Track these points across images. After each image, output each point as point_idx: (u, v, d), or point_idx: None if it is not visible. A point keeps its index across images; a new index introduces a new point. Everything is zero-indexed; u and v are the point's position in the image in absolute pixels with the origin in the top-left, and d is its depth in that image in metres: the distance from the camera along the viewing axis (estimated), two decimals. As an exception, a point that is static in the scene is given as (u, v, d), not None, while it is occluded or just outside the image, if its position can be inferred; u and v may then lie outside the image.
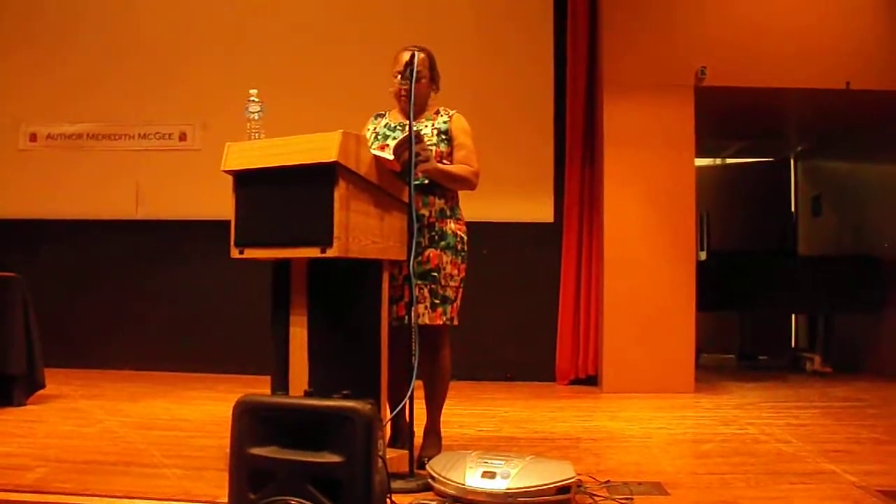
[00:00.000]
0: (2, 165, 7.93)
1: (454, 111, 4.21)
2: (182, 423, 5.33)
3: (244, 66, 7.29)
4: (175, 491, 3.50)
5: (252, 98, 3.83)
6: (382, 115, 4.29)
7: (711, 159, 10.71)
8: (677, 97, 7.07)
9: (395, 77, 4.08)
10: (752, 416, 5.89)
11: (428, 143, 4.01)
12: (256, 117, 3.78)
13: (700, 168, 8.20)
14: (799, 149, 10.45)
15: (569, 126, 7.51)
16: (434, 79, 4.22)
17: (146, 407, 5.91)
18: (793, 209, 10.67)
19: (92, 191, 7.80)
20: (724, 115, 8.11)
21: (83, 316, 7.79)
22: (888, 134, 8.21)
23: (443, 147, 4.08)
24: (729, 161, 11.02)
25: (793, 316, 10.17)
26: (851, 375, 8.10)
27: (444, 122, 4.14)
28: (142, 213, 7.72)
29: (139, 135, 7.80)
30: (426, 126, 4.11)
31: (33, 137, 7.93)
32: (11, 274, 5.74)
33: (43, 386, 5.83)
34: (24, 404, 5.64)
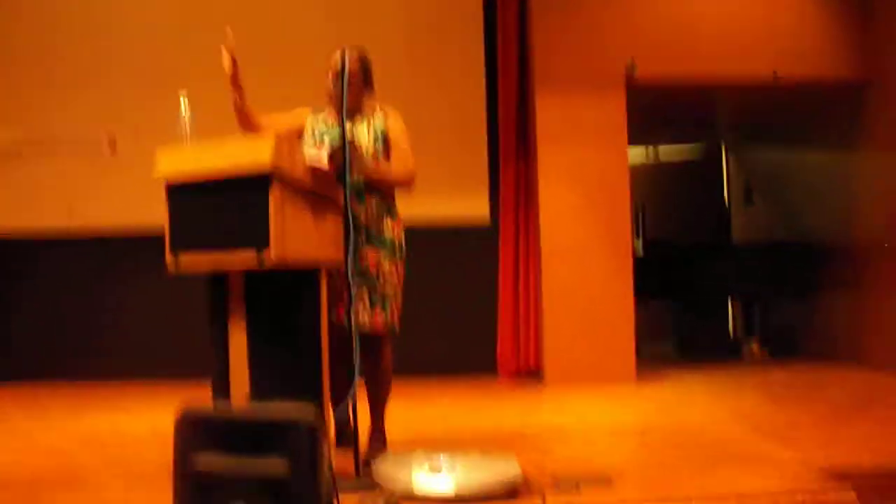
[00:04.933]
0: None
1: (389, 109, 4.20)
2: (125, 438, 5.24)
3: (171, 66, 7.18)
4: (119, 505, 3.45)
5: (182, 100, 3.76)
6: (320, 112, 4.25)
7: (643, 148, 10.78)
8: (609, 91, 7.13)
9: (329, 77, 4.06)
10: (694, 403, 5.97)
11: (364, 143, 4.00)
12: (187, 120, 3.72)
13: (635, 162, 8.29)
14: (730, 139, 10.60)
15: (502, 123, 7.54)
16: (367, 80, 4.19)
17: (88, 421, 5.81)
18: (725, 199, 10.82)
19: (22, 201, 7.63)
20: (655, 107, 8.20)
21: (20, 329, 7.65)
22: (816, 123, 8.37)
23: (378, 146, 4.07)
24: (662, 154, 11.11)
25: (729, 303, 10.31)
26: (788, 359, 8.26)
27: (381, 122, 4.13)
28: (75, 225, 7.56)
29: (69, 142, 7.64)
30: (362, 125, 4.09)
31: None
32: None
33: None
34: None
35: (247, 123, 4.00)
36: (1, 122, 7.72)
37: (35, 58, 7.72)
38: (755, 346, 8.68)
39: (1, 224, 7.62)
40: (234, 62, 3.80)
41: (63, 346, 7.62)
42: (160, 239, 3.52)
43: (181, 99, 3.73)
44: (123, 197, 7.35)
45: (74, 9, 7.79)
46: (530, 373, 7.41)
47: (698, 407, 5.77)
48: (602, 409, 5.87)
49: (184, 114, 3.68)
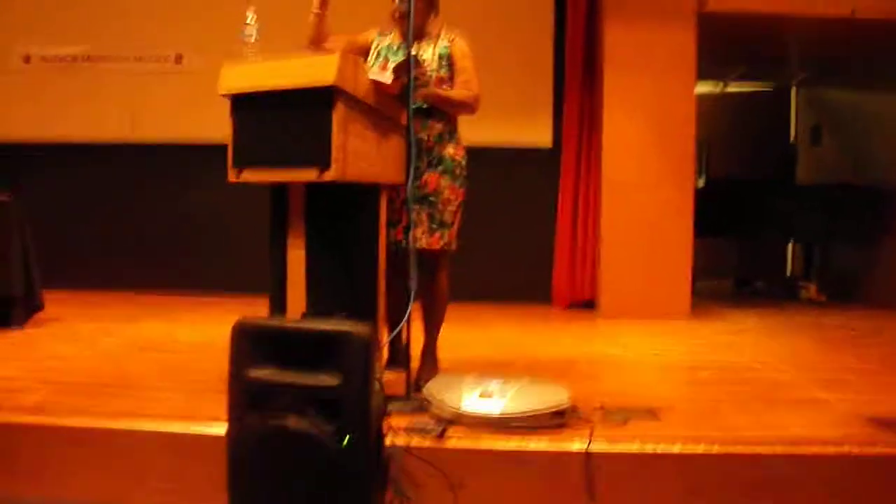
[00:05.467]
0: (-3, 86, 7.85)
1: (455, 34, 4.16)
2: (181, 346, 5.38)
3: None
4: (174, 412, 3.53)
5: (248, 21, 3.76)
6: (386, 34, 4.22)
7: (712, 84, 10.60)
8: (679, 22, 6.99)
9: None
10: (747, 342, 5.94)
11: (428, 67, 3.98)
12: (252, 40, 3.72)
13: (700, 96, 8.14)
14: (800, 77, 10.37)
15: (568, 51, 7.46)
16: (433, 2, 4.16)
17: (145, 329, 5.95)
18: (792, 138, 10.63)
19: (87, 113, 7.75)
20: (725, 41, 8.02)
21: (81, 238, 7.80)
22: (890, 63, 8.14)
23: (443, 72, 4.04)
24: (729, 89, 10.92)
25: (789, 244, 10.19)
26: (846, 304, 8.16)
27: (445, 47, 4.09)
28: (137, 136, 7.65)
29: (135, 57, 7.72)
30: (427, 49, 4.06)
31: (27, 59, 7.85)
32: (5, 196, 5.72)
33: (41, 308, 5.87)
34: (23, 326, 5.67)
35: (319, 42, 4.00)
36: (67, 38, 7.80)
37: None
38: (813, 289, 8.57)
39: (64, 133, 7.72)
40: None
41: (121, 256, 7.77)
42: (222, 149, 3.55)
43: (248, 15, 3.74)
44: (187, 110, 7.41)
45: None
46: (585, 303, 7.41)
47: (751, 347, 5.74)
48: (654, 344, 5.86)
49: (251, 31, 3.69)
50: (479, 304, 6.81)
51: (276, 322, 3.09)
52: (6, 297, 5.65)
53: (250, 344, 2.93)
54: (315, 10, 3.95)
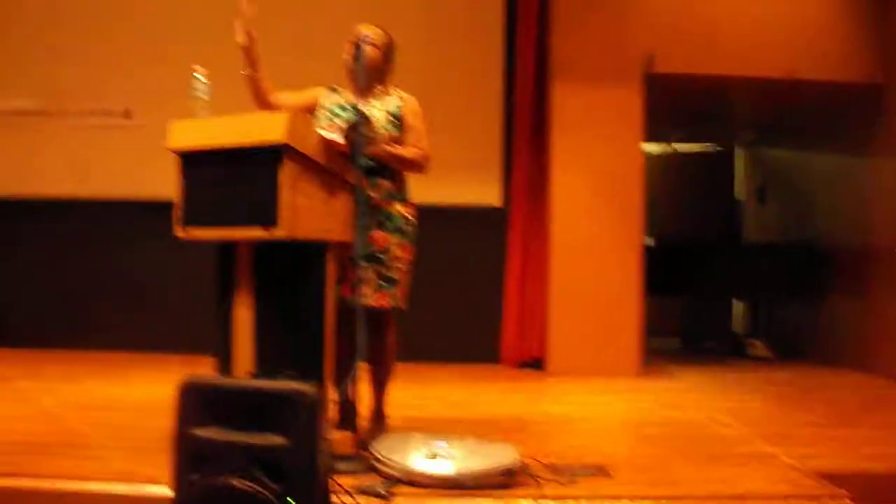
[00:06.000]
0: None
1: (407, 94, 4.19)
2: (123, 404, 5.28)
3: (188, 38, 7.16)
4: (116, 472, 3.46)
5: (197, 76, 3.76)
6: (335, 91, 4.24)
7: (658, 145, 10.76)
8: (625, 84, 7.10)
9: (347, 53, 4.05)
10: (695, 399, 5.96)
11: (379, 125, 3.99)
12: (202, 95, 3.72)
13: (647, 155, 8.27)
14: (745, 137, 10.56)
15: (517, 110, 7.51)
16: (388, 61, 4.20)
17: (87, 388, 5.84)
18: (738, 197, 10.80)
19: (34, 168, 7.64)
20: (672, 102, 8.17)
21: (24, 294, 7.66)
22: (832, 123, 8.33)
23: (393, 130, 4.06)
24: (676, 149, 11.09)
25: (736, 302, 10.30)
26: (793, 361, 8.26)
27: (397, 106, 4.11)
28: (84, 192, 7.57)
29: (83, 111, 7.67)
30: (378, 108, 4.08)
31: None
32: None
33: (-19, 366, 5.76)
34: (-37, 385, 5.56)
35: (262, 99, 4.00)
36: (13, 91, 7.74)
37: (49, 27, 7.69)
38: (761, 346, 8.66)
39: (10, 189, 7.63)
40: (250, 36, 3.81)
41: (64, 314, 7.62)
42: (167, 205, 3.53)
43: (198, 70, 3.74)
44: (135, 166, 7.35)
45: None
46: (534, 362, 7.40)
47: (699, 403, 5.76)
48: (603, 402, 5.87)
49: (200, 87, 3.68)
50: (427, 363, 6.78)
51: (222, 381, 3.06)
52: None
53: (196, 402, 2.89)
54: (243, 72, 3.94)
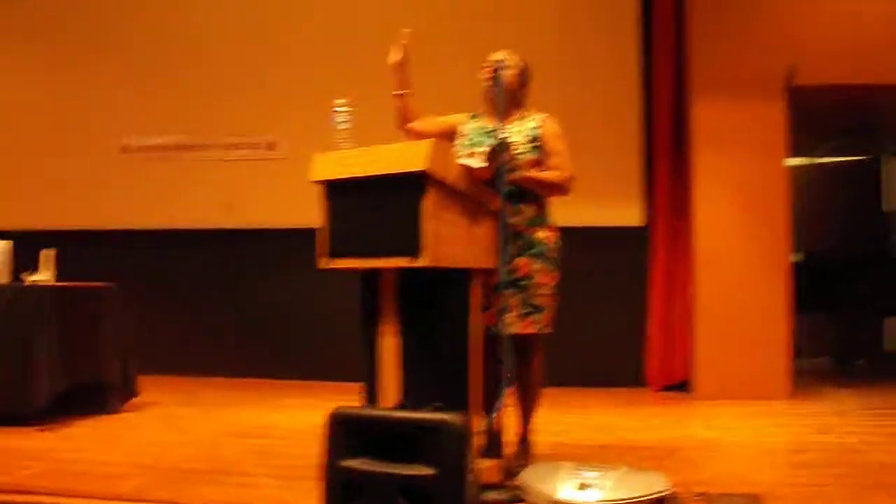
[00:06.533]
0: (96, 177, 8.10)
1: (546, 116, 4.17)
2: (275, 432, 5.39)
3: (331, 72, 7.31)
4: (267, 501, 3.53)
5: (338, 108, 3.82)
6: (476, 117, 4.26)
7: (802, 158, 10.45)
8: (768, 96, 6.91)
9: (485, 80, 4.06)
10: (850, 423, 5.73)
11: (519, 149, 3.98)
12: (343, 127, 3.78)
13: (792, 168, 8.03)
14: (893, 147, 10.16)
15: (657, 127, 7.41)
16: (524, 85, 4.19)
17: (240, 415, 5.99)
18: (886, 209, 10.38)
19: (182, 200, 7.93)
20: (816, 114, 7.92)
21: (178, 324, 7.94)
22: None
23: (534, 154, 4.04)
24: (821, 160, 10.76)
25: (888, 319, 9.89)
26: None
27: (536, 128, 4.10)
28: (232, 222, 7.80)
29: (228, 144, 7.91)
30: (518, 132, 4.07)
31: (125, 149, 8.09)
32: (108, 284, 5.87)
33: (137, 394, 5.96)
34: (119, 412, 5.76)
35: (404, 120, 4.09)
36: (162, 128, 8.05)
37: (199, 65, 8.02)
38: (916, 366, 8.29)
39: (160, 221, 7.93)
40: (403, 57, 3.99)
41: (216, 342, 7.89)
42: (311, 232, 3.60)
43: (339, 102, 3.80)
44: (281, 196, 7.54)
45: (236, 16, 8.06)
46: (680, 385, 7.25)
47: (855, 427, 5.54)
48: (754, 426, 5.70)
49: (342, 118, 3.74)
50: (573, 388, 6.71)
51: (370, 412, 3.08)
52: (103, 384, 5.75)
53: (344, 433, 2.92)
54: (396, 92, 4.05)
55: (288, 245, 7.25)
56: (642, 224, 7.46)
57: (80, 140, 8.13)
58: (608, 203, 7.42)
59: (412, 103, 4.11)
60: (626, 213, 7.46)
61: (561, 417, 5.68)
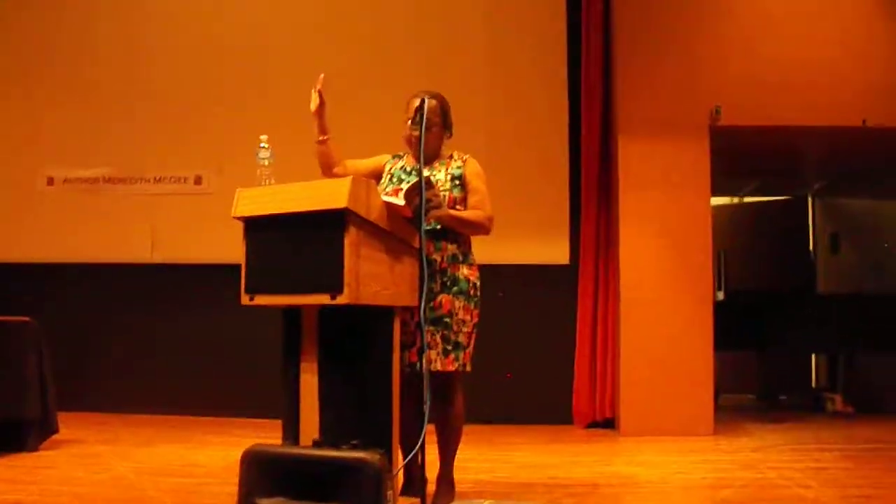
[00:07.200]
0: (19, 209, 7.97)
1: (468, 156, 4.20)
2: (195, 469, 5.31)
3: (258, 109, 7.34)
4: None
5: (262, 144, 3.83)
6: (400, 157, 4.29)
7: (728, 198, 10.64)
8: (692, 137, 7.04)
9: (407, 123, 4.08)
10: (772, 459, 5.81)
11: (441, 188, 4.00)
12: (267, 163, 3.78)
13: (716, 207, 8.16)
14: (816, 186, 10.38)
15: (584, 167, 7.50)
16: (446, 124, 4.21)
17: (160, 453, 5.89)
18: (811, 247, 10.59)
19: (107, 234, 7.82)
20: (740, 154, 8.09)
21: (98, 359, 7.79)
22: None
23: (456, 193, 4.06)
24: (746, 200, 10.95)
25: (813, 355, 10.06)
26: (874, 416, 8.00)
27: (458, 168, 4.13)
28: (157, 257, 7.72)
29: (154, 178, 7.84)
30: (440, 171, 4.10)
31: (50, 181, 7.98)
32: (25, 318, 5.75)
33: (56, 431, 5.82)
34: (38, 450, 5.63)
35: (328, 166, 4.09)
36: (91, 161, 7.95)
37: (127, 98, 7.95)
38: (839, 401, 8.43)
39: (83, 254, 7.82)
40: (321, 103, 3.98)
41: (136, 377, 7.75)
42: (236, 268, 3.57)
43: (262, 138, 3.80)
44: (206, 231, 7.46)
45: (164, 50, 8.01)
46: (605, 422, 7.29)
47: (777, 463, 5.61)
48: (677, 462, 5.75)
49: (265, 154, 3.74)
50: (496, 425, 6.72)
51: (285, 450, 3.04)
52: (22, 421, 5.62)
53: (260, 472, 2.89)
54: (317, 139, 4.06)
55: (211, 280, 7.15)
56: (568, 262, 7.52)
57: (2, 171, 8.01)
58: (537, 241, 7.49)
59: (334, 148, 4.13)
60: (555, 251, 7.53)
61: (485, 455, 5.68)
